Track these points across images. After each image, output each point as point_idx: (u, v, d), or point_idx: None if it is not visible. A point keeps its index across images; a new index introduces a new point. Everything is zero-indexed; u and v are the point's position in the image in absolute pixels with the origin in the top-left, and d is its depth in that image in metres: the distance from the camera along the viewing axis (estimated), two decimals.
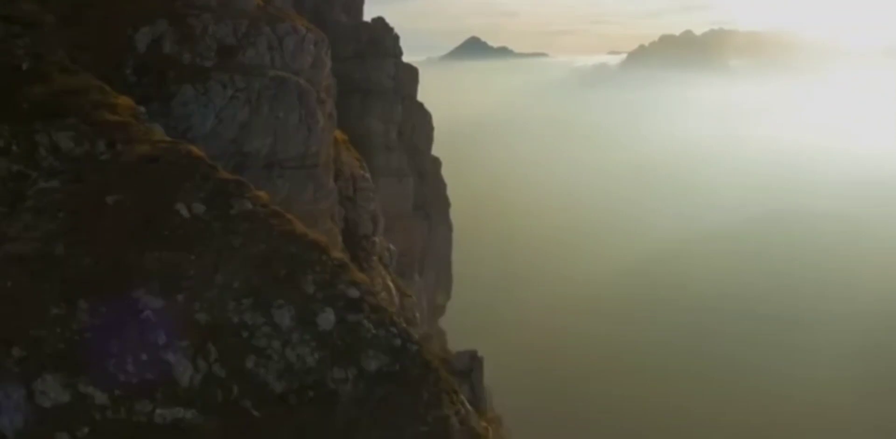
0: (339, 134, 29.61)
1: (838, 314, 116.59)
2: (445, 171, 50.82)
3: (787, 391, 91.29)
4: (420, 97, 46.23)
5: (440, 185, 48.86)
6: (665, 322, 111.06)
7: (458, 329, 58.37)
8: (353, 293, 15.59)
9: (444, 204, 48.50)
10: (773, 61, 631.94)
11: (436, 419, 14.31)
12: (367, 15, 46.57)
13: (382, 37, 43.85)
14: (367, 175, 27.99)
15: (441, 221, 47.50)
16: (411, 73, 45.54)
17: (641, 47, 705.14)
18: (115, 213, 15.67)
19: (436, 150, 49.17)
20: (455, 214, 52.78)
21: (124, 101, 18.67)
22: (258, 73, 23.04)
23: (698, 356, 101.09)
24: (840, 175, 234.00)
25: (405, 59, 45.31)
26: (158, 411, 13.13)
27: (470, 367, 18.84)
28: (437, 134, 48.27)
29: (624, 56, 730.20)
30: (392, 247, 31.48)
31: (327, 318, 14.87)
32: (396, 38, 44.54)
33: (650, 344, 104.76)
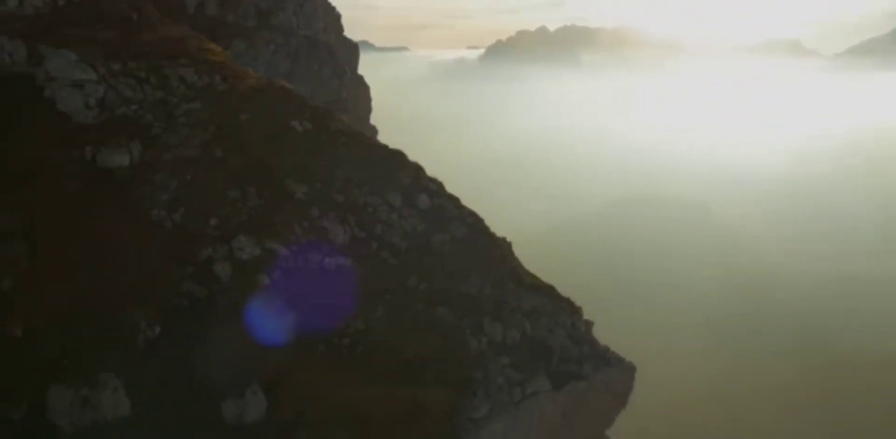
0: None
1: (686, 296, 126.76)
2: None
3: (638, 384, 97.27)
4: None
5: None
6: None
7: None
8: (432, 186, 20.92)
9: None
10: (621, 56, 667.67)
11: (510, 268, 19.90)
12: None
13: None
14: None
15: None
16: (352, 49, 50.21)
17: (499, 42, 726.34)
18: (248, 127, 20.24)
19: None
20: None
21: (215, 46, 22.99)
22: (292, 33, 27.61)
23: None
24: (688, 163, 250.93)
25: None
26: (326, 260, 17.99)
27: None
28: None
29: (482, 51, 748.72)
30: None
31: (424, 200, 20.14)
32: (338, 16, 49.06)
33: None
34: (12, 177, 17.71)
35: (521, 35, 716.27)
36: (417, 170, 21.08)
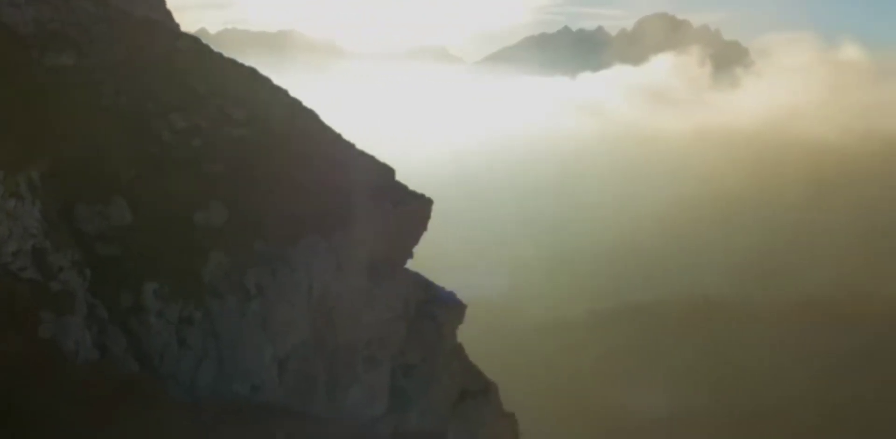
0: None
1: None
2: None
3: None
4: None
5: None
6: None
7: None
8: (284, 89, 29.61)
9: None
10: (285, 60, 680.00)
11: (342, 140, 29.38)
12: None
13: None
14: None
15: None
16: None
17: None
18: (150, 44, 27.29)
19: None
20: None
21: None
22: None
23: None
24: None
25: None
26: (234, 131, 26.04)
27: None
28: None
29: None
30: None
31: (286, 95, 28.82)
32: None
33: None
34: None
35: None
36: (268, 79, 29.67)
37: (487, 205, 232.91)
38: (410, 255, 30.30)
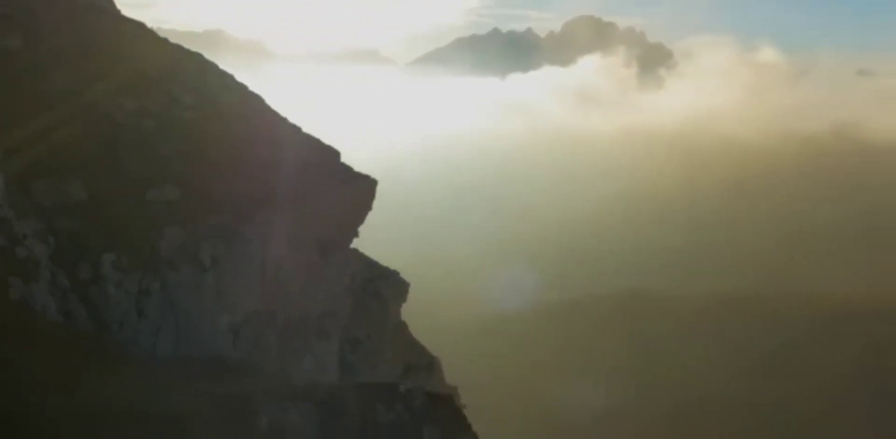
0: None
1: None
2: None
3: None
4: None
5: None
6: None
7: None
8: (229, 71, 30.49)
9: None
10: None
11: (283, 120, 30.40)
12: None
13: None
14: None
15: None
16: None
17: None
18: (95, 28, 27.87)
19: None
20: None
21: None
22: None
23: None
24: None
25: None
26: (182, 113, 26.84)
27: None
28: None
29: None
30: None
31: (231, 76, 29.70)
32: None
33: None
34: None
35: None
36: (215, 64, 30.52)
37: (419, 205, 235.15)
38: (356, 234, 31.48)
